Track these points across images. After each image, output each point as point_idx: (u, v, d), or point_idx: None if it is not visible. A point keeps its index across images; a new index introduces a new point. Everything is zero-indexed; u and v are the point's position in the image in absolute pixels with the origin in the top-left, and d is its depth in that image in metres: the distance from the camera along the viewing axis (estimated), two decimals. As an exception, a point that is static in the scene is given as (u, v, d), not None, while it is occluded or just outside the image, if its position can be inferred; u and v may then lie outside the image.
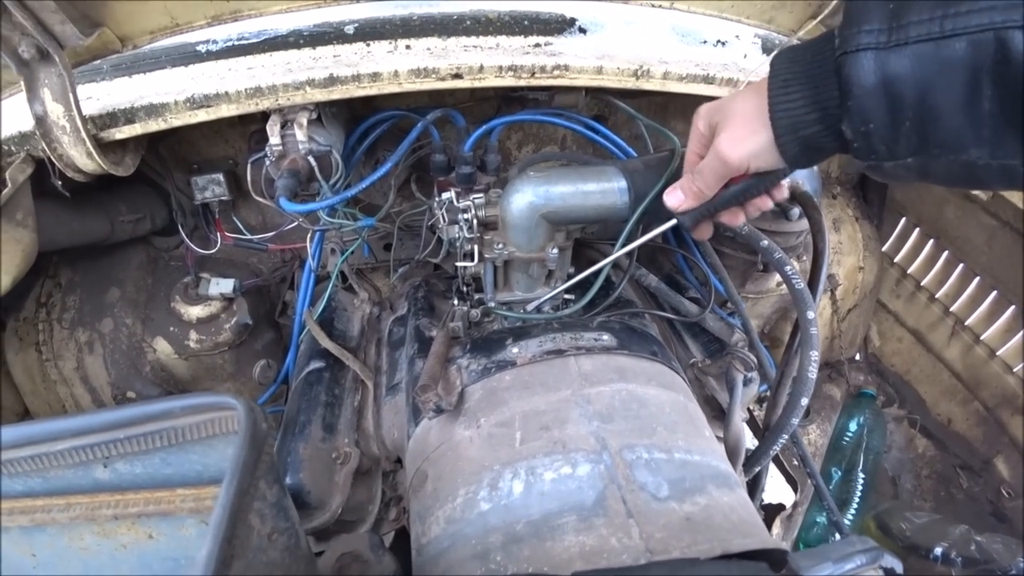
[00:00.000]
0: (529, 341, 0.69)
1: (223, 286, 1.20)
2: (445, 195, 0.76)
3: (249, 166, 0.92)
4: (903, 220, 1.50)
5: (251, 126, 1.10)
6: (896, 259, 1.53)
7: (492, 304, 0.79)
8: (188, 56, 0.99)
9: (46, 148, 0.85)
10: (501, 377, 0.65)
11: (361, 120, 1.02)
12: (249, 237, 1.20)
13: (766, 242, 0.88)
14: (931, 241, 1.44)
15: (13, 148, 0.90)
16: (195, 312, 1.21)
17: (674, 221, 0.67)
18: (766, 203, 0.65)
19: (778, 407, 0.88)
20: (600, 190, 0.73)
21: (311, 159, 0.86)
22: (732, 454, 0.78)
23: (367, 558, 0.57)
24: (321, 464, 0.75)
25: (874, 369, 1.58)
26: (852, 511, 1.35)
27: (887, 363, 1.58)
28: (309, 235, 0.97)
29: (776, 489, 1.44)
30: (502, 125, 0.94)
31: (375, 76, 0.86)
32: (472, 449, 0.59)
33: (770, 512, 1.22)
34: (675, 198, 0.65)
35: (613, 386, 0.63)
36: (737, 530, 0.52)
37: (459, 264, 0.77)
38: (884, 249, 1.55)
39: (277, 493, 0.46)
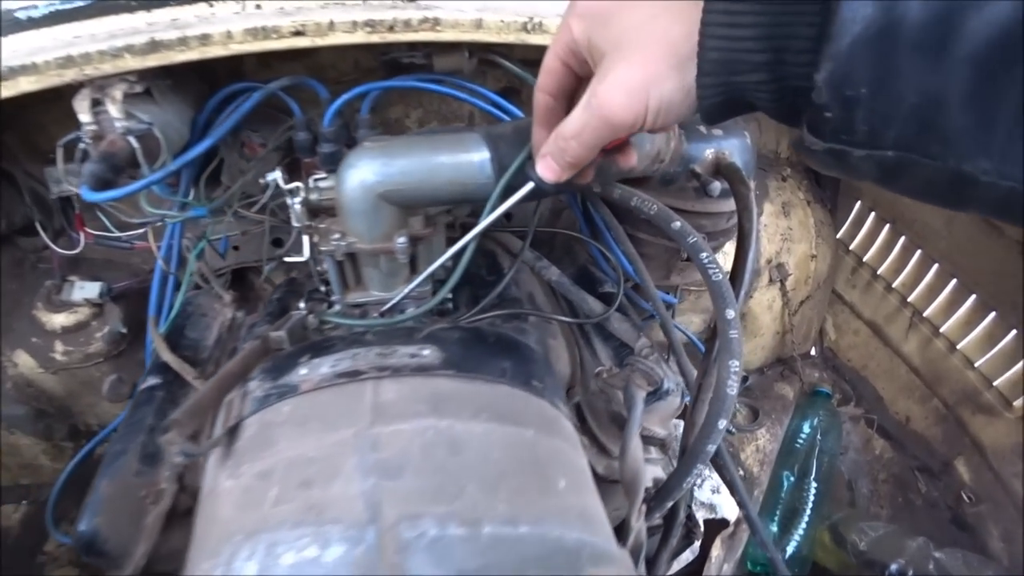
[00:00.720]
0: (324, 359, 0.54)
1: (88, 290, 1.06)
2: (270, 176, 0.63)
3: (59, 150, 0.77)
4: (858, 204, 1.39)
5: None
6: (852, 246, 1.41)
7: (339, 307, 0.66)
8: (8, 25, 0.85)
9: None
10: (279, 408, 0.50)
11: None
12: (115, 235, 1.05)
13: (678, 224, 0.73)
14: (887, 226, 1.33)
15: None
16: (59, 320, 1.06)
17: (531, 185, 0.53)
18: (630, 159, 0.51)
19: (695, 428, 0.75)
20: (453, 163, 0.60)
21: (132, 139, 0.72)
22: (629, 490, 0.64)
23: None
24: (127, 504, 0.62)
25: (829, 365, 1.47)
26: (804, 521, 1.24)
27: (843, 358, 1.46)
28: (149, 230, 0.83)
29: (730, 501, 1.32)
30: (372, 94, 0.81)
31: (204, 38, 0.72)
32: (226, 507, 0.45)
33: (711, 529, 1.10)
34: (548, 170, 0.51)
35: (417, 423, 0.47)
36: None
37: (287, 259, 0.64)
38: (839, 235, 1.43)
39: None
